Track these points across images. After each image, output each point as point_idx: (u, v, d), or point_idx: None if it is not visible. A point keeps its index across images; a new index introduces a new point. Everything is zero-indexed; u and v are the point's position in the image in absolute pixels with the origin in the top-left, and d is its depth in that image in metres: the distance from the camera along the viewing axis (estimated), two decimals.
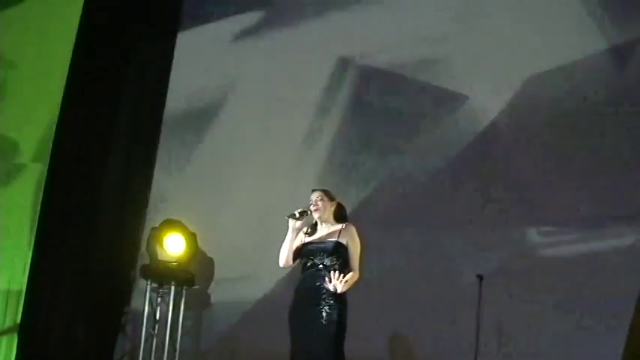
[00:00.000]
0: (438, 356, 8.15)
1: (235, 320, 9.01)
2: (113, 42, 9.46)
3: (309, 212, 6.41)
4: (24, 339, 8.83)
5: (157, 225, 8.99)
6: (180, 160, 9.61)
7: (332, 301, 6.14)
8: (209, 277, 9.21)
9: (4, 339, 8.88)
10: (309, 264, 6.34)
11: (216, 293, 9.18)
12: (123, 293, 9.29)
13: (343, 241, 6.33)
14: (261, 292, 8.89)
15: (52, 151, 9.26)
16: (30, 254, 9.02)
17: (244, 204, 9.24)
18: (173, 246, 8.89)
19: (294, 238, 6.43)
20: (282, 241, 6.51)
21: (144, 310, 8.93)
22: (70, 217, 9.05)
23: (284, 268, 6.56)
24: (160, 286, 9.02)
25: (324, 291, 6.16)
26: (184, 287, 8.98)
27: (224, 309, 9.05)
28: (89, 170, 9.23)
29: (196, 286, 9.07)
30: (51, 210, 9.10)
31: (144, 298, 8.95)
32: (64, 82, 9.36)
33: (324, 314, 6.12)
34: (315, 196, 6.48)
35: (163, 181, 9.55)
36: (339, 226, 6.40)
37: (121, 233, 9.19)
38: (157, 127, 9.69)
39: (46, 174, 9.24)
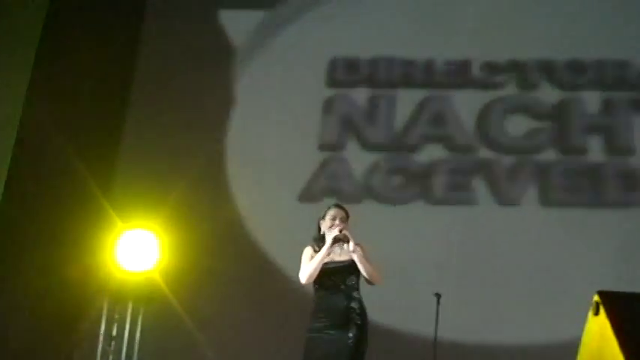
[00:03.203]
0: None
1: (195, 338, 8.58)
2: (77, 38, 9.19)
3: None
4: None
5: (115, 240, 8.40)
6: (141, 166, 9.12)
7: (359, 322, 5.86)
8: (169, 293, 8.60)
9: None
10: (328, 284, 5.98)
11: (176, 310, 8.61)
12: (80, 309, 8.72)
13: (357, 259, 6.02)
14: (223, 309, 8.57)
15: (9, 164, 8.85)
16: None
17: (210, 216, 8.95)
18: (131, 263, 8.35)
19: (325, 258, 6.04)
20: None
21: (100, 326, 8.48)
22: (24, 230, 8.61)
23: (304, 285, 6.08)
24: (118, 302, 8.57)
25: (353, 312, 5.87)
26: (142, 304, 8.55)
27: (183, 326, 8.55)
28: (46, 181, 8.80)
29: (155, 303, 8.53)
30: (4, 222, 8.69)
31: (100, 315, 8.48)
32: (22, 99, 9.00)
33: (350, 335, 5.81)
34: (340, 214, 6.14)
35: (123, 193, 9.02)
36: (350, 245, 5.98)
37: (79, 247, 8.57)
38: (119, 130, 9.34)
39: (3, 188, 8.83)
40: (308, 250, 6.12)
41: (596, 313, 4.19)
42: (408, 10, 9.22)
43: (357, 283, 5.98)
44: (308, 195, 8.74)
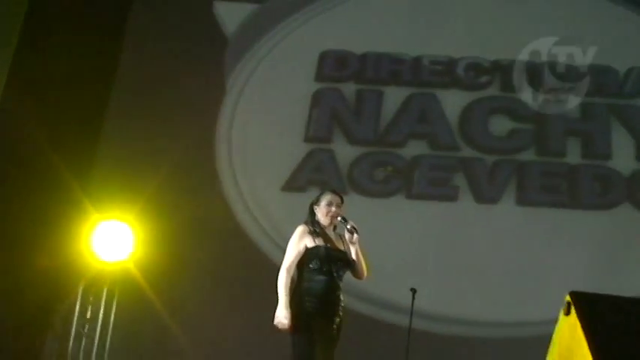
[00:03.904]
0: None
1: (168, 323, 8.54)
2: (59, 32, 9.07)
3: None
4: None
5: (93, 223, 8.43)
6: (121, 155, 9.11)
7: (341, 314, 5.75)
8: (144, 277, 8.55)
9: None
10: (324, 269, 5.77)
11: (150, 294, 8.57)
12: (55, 291, 8.56)
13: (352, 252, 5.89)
14: (197, 294, 8.57)
15: None
16: None
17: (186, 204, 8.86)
18: (108, 245, 8.34)
19: None
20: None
21: (75, 308, 8.42)
22: (3, 219, 8.41)
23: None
24: (93, 285, 8.48)
25: (339, 302, 5.75)
26: (117, 287, 8.49)
27: (157, 311, 8.55)
28: (23, 164, 8.63)
29: (130, 287, 8.46)
30: None
31: (76, 297, 8.42)
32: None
33: (334, 326, 5.68)
34: (336, 200, 5.94)
35: (102, 177, 9.07)
36: (345, 236, 5.86)
37: (56, 230, 8.45)
38: (99, 125, 9.30)
39: None
40: (301, 230, 5.89)
41: (568, 313, 4.27)
42: (397, 9, 9.40)
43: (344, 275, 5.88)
44: (293, 185, 8.84)
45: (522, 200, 8.60)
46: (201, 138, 9.14)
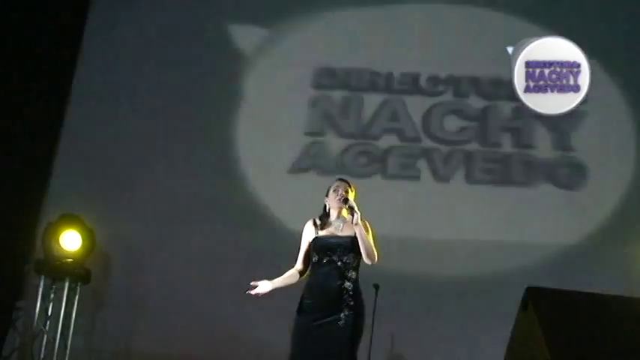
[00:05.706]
0: None
1: (131, 320, 8.84)
2: (14, 39, 8.96)
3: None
4: None
5: (53, 219, 8.30)
6: (81, 152, 9.54)
7: (352, 303, 5.41)
8: (106, 274, 8.54)
9: None
10: (325, 260, 5.48)
11: (112, 291, 8.78)
12: (15, 287, 8.39)
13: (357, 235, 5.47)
14: (159, 291, 8.97)
15: None
16: None
17: (147, 201, 9.47)
18: (69, 242, 8.09)
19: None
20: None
21: (36, 305, 8.15)
22: None
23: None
24: (54, 281, 8.17)
25: (345, 292, 5.43)
26: (79, 284, 8.18)
27: (119, 308, 8.85)
28: None
29: (91, 284, 8.36)
30: None
31: (36, 293, 8.16)
32: None
33: (342, 316, 5.39)
34: (343, 186, 5.67)
35: (62, 173, 9.41)
36: (355, 217, 5.47)
37: (16, 226, 8.26)
38: (59, 121, 9.49)
39: None
40: (305, 227, 5.73)
41: (525, 308, 4.47)
42: (375, 35, 10.51)
43: (356, 261, 5.51)
44: (296, 169, 10.04)
45: (469, 179, 10.00)
46: (220, 133, 10.12)
